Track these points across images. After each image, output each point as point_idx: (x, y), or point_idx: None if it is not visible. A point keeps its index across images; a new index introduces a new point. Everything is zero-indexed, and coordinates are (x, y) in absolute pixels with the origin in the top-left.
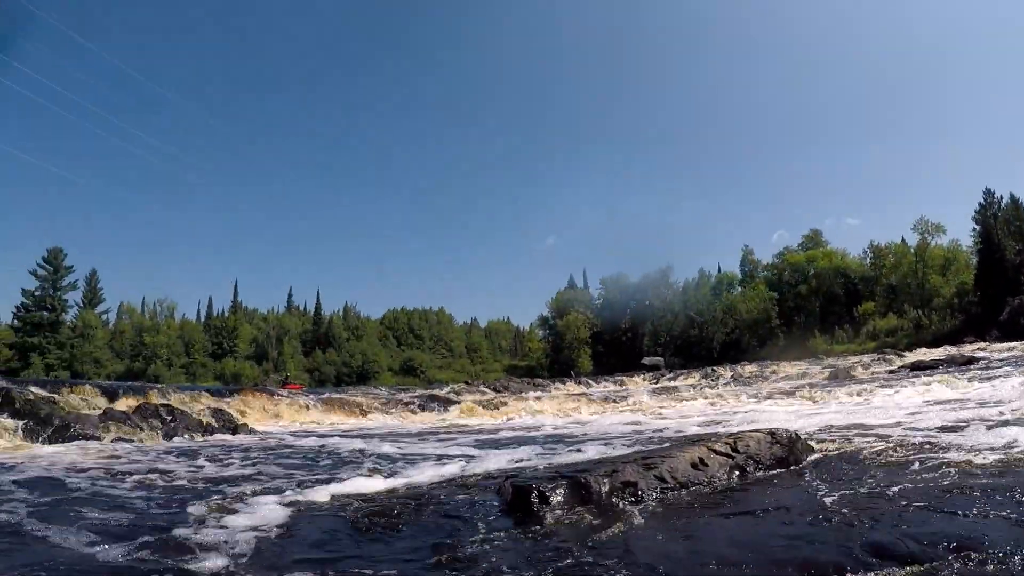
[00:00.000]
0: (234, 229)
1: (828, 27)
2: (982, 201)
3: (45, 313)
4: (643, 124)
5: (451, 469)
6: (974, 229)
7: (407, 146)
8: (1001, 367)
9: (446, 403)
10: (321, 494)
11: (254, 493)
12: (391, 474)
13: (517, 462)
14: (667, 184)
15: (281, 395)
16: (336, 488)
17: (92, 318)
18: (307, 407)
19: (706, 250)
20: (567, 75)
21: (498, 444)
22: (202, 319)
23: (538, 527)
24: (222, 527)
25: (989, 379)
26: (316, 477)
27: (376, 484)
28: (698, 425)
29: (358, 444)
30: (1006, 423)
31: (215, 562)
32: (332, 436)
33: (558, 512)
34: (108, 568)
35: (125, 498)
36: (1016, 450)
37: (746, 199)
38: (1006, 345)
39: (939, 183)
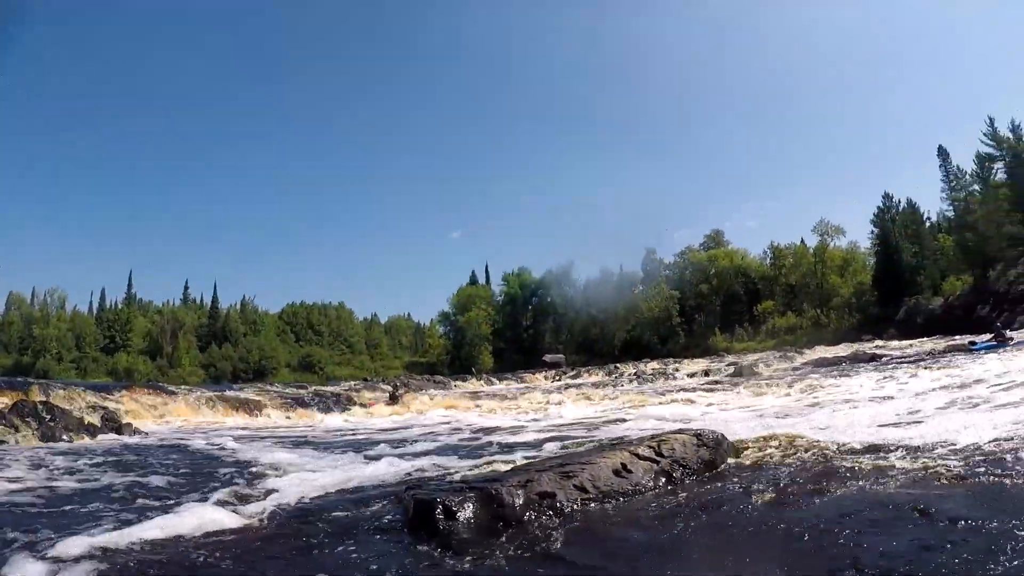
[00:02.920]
0: (129, 217)
1: (724, 35)
2: (880, 205)
3: None
4: (550, 120)
5: (345, 478)
6: (872, 231)
7: (304, 137)
8: (901, 364)
9: (345, 402)
10: (159, 526)
11: (69, 525)
12: (270, 491)
13: (421, 469)
14: (570, 182)
15: (175, 392)
16: (186, 516)
17: None
18: (200, 406)
19: (608, 249)
20: (471, 68)
21: (399, 447)
22: (95, 311)
23: (443, 548)
24: None
25: (893, 377)
26: (176, 494)
27: (250, 502)
28: (611, 423)
29: (246, 447)
30: (919, 421)
31: None
32: (221, 437)
33: (466, 529)
34: None
35: None
36: (934, 453)
37: (648, 198)
38: (905, 343)
39: (839, 187)
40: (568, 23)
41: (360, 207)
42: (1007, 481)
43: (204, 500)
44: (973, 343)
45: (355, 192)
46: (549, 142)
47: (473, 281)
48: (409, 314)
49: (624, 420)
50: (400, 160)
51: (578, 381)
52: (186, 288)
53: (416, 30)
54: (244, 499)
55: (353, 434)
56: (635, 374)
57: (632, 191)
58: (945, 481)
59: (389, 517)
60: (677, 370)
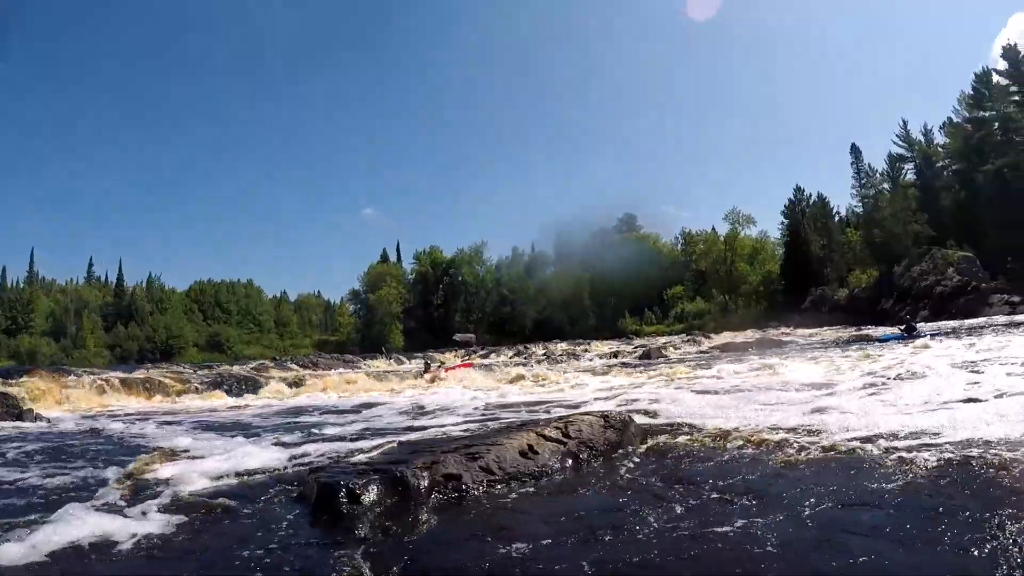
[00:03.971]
0: (30, 192)
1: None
2: (792, 198)
3: None
4: (471, 98)
5: (251, 462)
6: (783, 223)
7: (212, 108)
8: (809, 350)
9: (253, 382)
10: (44, 536)
11: None
12: (171, 478)
13: (328, 451)
14: (485, 160)
15: (77, 374)
16: (76, 520)
17: None
18: (105, 389)
19: (520, 229)
20: (392, 46)
21: (307, 428)
22: None
23: (346, 531)
24: None
25: (814, 359)
26: (70, 490)
27: (151, 492)
28: (524, 405)
29: (152, 432)
30: (822, 409)
31: None
32: (127, 422)
33: (371, 512)
34: None
35: None
36: (836, 438)
37: (563, 179)
38: (809, 331)
39: (751, 178)
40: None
41: (269, 181)
42: (866, 460)
43: (99, 496)
44: (886, 334)
45: (264, 166)
46: (468, 122)
47: (384, 259)
48: (319, 292)
49: (542, 402)
50: (308, 131)
51: (488, 361)
52: (90, 266)
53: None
54: (144, 490)
55: (261, 415)
56: (545, 355)
57: (546, 174)
58: (821, 460)
59: (294, 501)
60: (586, 351)
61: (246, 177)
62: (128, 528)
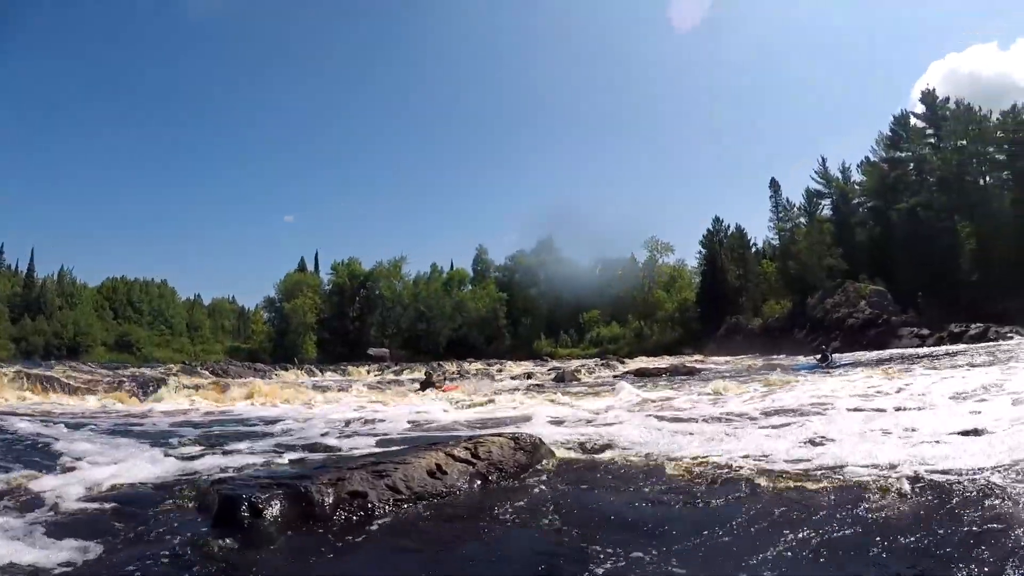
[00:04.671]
0: None
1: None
2: (710, 228)
3: None
4: (400, 110)
5: (151, 470)
6: (700, 252)
7: (134, 103)
8: (715, 378)
9: (161, 386)
10: None
11: None
12: (65, 485)
13: (233, 463)
14: (408, 174)
15: None
16: None
17: None
18: (4, 384)
19: (441, 246)
20: (334, 54)
21: (214, 438)
22: None
23: (247, 547)
24: None
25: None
26: None
27: (40, 502)
28: (435, 426)
29: (49, 434)
30: (732, 435)
31: None
32: (22, 421)
33: (273, 527)
34: None
35: None
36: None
37: (484, 197)
38: (723, 358)
39: (671, 207)
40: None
41: (189, 180)
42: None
43: None
44: (803, 363)
45: (184, 164)
46: (393, 131)
47: (302, 268)
48: (233, 297)
49: (448, 422)
50: (232, 133)
51: (400, 377)
52: (0, 252)
53: None
54: (28, 501)
55: (168, 422)
56: (458, 373)
57: (470, 193)
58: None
59: (194, 513)
60: (500, 371)
61: (166, 175)
62: (5, 547)
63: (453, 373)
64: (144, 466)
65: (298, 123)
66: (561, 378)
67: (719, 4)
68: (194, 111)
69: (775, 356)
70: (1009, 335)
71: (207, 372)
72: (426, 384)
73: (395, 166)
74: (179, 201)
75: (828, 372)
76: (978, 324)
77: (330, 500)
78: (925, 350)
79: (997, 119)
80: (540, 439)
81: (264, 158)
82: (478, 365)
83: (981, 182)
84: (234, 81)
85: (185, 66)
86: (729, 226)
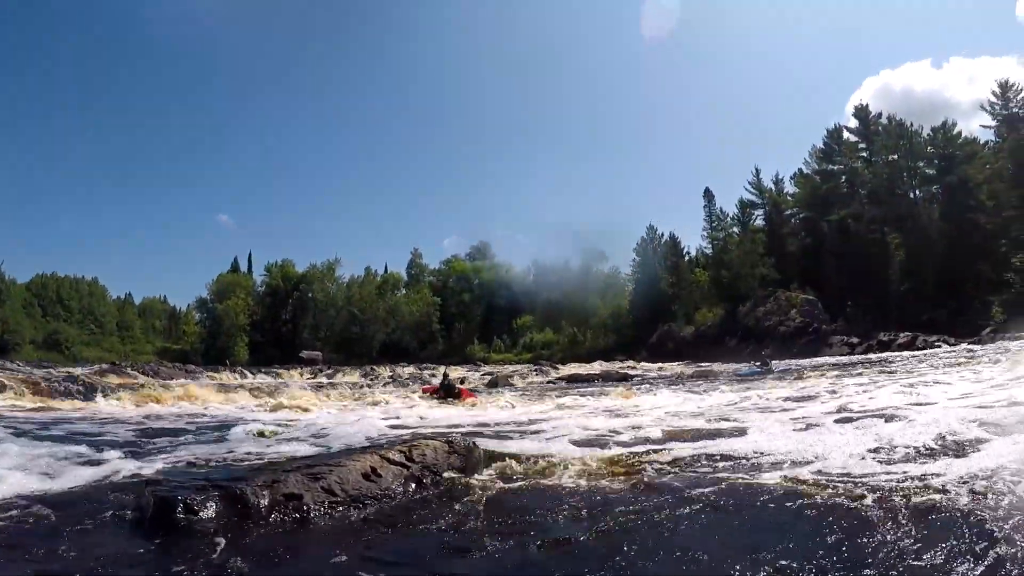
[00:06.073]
0: None
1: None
2: (644, 235)
3: None
4: (334, 110)
5: (83, 473)
6: (634, 259)
7: (71, 99)
8: (656, 384)
9: (93, 387)
10: None
11: None
12: None
13: (167, 464)
14: (344, 176)
15: None
16: None
17: None
18: None
19: (375, 249)
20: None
21: (148, 439)
22: None
23: (181, 549)
24: None
25: (649, 392)
26: None
27: None
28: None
29: None
30: (674, 436)
31: None
32: None
33: (208, 529)
34: None
35: None
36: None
37: (422, 202)
38: (655, 365)
39: (605, 214)
40: None
41: (121, 175)
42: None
43: None
44: (744, 369)
45: (116, 159)
46: (333, 132)
47: (235, 268)
48: (165, 297)
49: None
50: (167, 131)
51: (333, 380)
52: None
53: None
54: None
55: (101, 423)
56: (391, 377)
57: (405, 194)
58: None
59: (128, 515)
60: (434, 376)
61: (97, 170)
62: None
63: (387, 378)
64: (75, 469)
65: (234, 121)
66: (495, 383)
67: (673, 20)
68: (128, 107)
69: (704, 364)
70: (937, 343)
71: (137, 373)
72: (448, 391)
73: (332, 168)
74: (111, 197)
75: (764, 379)
76: (906, 333)
77: (265, 502)
78: (857, 357)
79: (928, 134)
80: (474, 443)
81: (198, 156)
82: (411, 369)
83: (911, 195)
84: (169, 78)
85: (118, 61)
86: (663, 235)
